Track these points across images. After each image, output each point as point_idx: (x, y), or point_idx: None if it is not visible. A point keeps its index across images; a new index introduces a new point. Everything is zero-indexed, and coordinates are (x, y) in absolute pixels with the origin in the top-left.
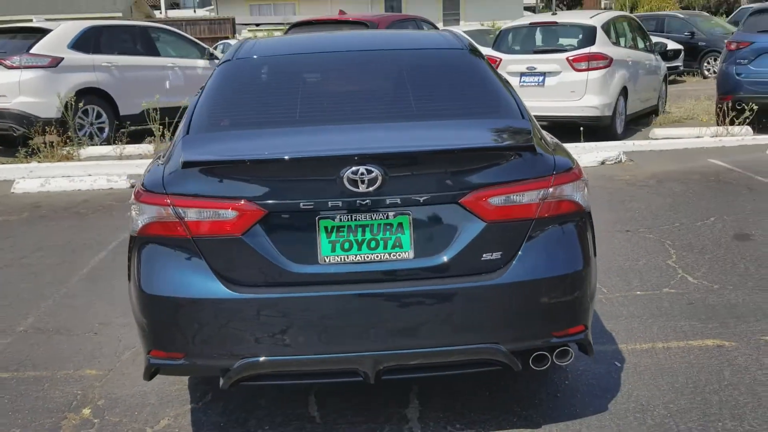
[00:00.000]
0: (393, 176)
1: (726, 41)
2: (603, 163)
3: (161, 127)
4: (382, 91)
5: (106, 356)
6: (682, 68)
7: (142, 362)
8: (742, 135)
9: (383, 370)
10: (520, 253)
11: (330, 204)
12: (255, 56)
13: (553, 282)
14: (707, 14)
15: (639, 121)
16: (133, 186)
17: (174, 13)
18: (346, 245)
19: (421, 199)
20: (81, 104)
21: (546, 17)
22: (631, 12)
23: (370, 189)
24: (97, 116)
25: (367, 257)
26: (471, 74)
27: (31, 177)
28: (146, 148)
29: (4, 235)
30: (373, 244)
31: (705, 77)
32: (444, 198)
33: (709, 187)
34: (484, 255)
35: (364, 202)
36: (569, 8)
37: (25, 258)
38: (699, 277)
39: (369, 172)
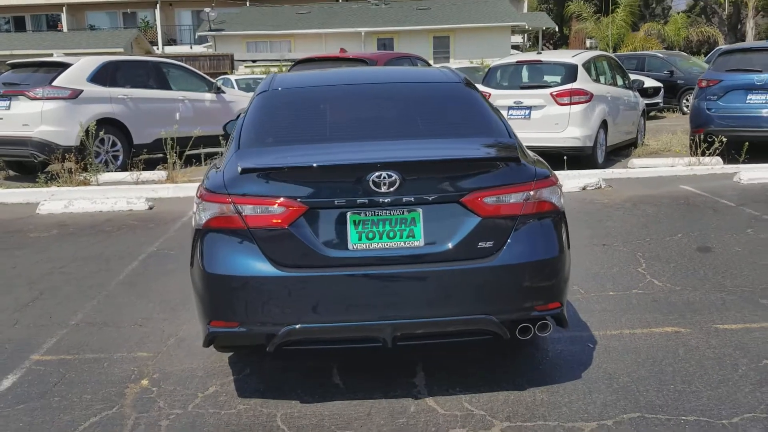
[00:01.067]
0: (408, 180)
1: (698, 79)
2: (584, 188)
3: (174, 155)
4: (393, 116)
5: (153, 342)
6: (662, 104)
7: (186, 346)
8: (712, 164)
9: (399, 336)
10: (508, 242)
11: (358, 202)
12: (286, 87)
13: (534, 265)
14: (685, 54)
15: (619, 152)
16: (151, 208)
17: (171, 50)
18: (371, 235)
19: (430, 199)
20: (102, 133)
21: (531, 56)
22: (614, 51)
23: (390, 190)
24: (112, 144)
25: (387, 245)
26: (467, 102)
27: (53, 199)
28: (160, 174)
29: (39, 249)
30: (391, 234)
31: (684, 113)
32: (448, 198)
33: (678, 208)
34: (479, 243)
35: (385, 201)
36: (555, 48)
37: (65, 267)
38: (664, 281)
39: (389, 176)
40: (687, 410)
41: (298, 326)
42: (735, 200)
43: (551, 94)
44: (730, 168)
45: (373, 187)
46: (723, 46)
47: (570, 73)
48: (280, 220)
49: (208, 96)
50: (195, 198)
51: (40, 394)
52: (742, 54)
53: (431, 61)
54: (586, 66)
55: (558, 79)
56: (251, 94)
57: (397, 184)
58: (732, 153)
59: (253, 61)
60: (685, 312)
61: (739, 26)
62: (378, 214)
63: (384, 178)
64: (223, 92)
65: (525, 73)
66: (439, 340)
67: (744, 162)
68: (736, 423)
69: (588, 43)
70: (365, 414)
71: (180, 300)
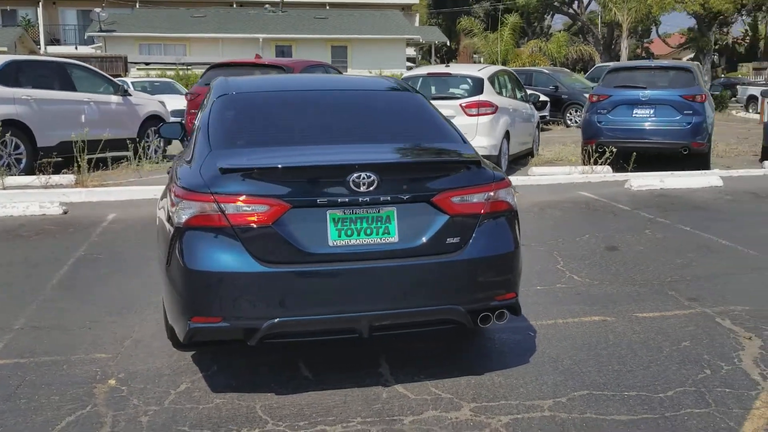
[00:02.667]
0: (385, 180)
1: (589, 94)
2: None
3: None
4: (355, 121)
5: (108, 344)
6: (548, 117)
7: (144, 347)
8: (604, 173)
9: (374, 327)
10: (473, 238)
11: (339, 201)
12: (245, 91)
13: (496, 259)
14: (568, 70)
15: (518, 162)
16: (66, 212)
17: (54, 50)
18: (349, 232)
19: (405, 198)
20: (7, 135)
21: (441, 68)
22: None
23: (370, 189)
24: (15, 147)
25: (364, 242)
26: (419, 109)
27: None
28: (69, 178)
29: None
30: (368, 231)
31: (567, 126)
32: (420, 197)
33: (581, 212)
34: (448, 239)
35: (363, 200)
36: (442, 62)
37: None
38: (583, 276)
39: (368, 177)
40: (627, 386)
41: (280, 320)
42: (629, 205)
43: (460, 105)
44: (621, 176)
45: (353, 187)
46: (609, 63)
47: (477, 85)
48: (264, 218)
49: (114, 98)
50: (168, 197)
51: (3, 397)
52: (628, 72)
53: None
54: (491, 79)
55: (465, 91)
56: (158, 96)
57: (375, 185)
58: (621, 162)
59: (146, 64)
60: (607, 303)
61: (612, 45)
62: (356, 212)
63: (363, 178)
64: (130, 95)
65: (433, 85)
66: (410, 330)
67: (632, 170)
68: (671, 396)
69: (474, 58)
70: (341, 402)
71: (124, 303)
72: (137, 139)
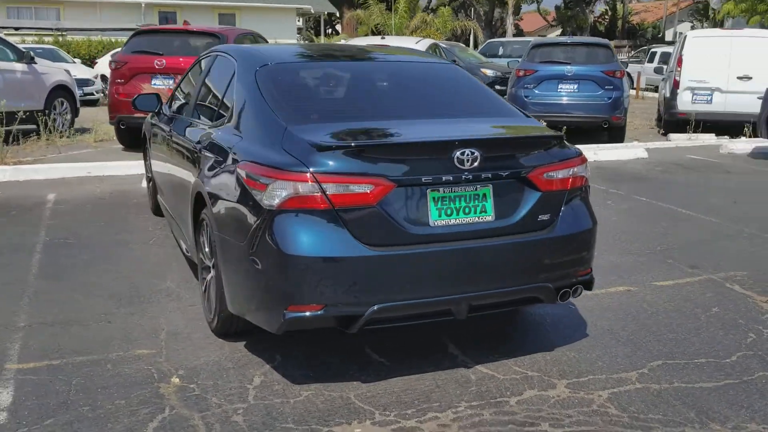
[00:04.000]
0: (485, 157)
1: (515, 69)
2: None
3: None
4: (418, 93)
5: (143, 338)
6: None
7: (184, 339)
8: None
9: (472, 308)
10: (561, 214)
11: (443, 179)
12: (287, 61)
13: (580, 235)
14: (463, 45)
15: None
16: None
17: None
18: (449, 211)
19: (504, 174)
20: None
21: (377, 41)
22: None
23: (473, 166)
24: None
25: (463, 221)
26: (472, 82)
27: None
28: None
29: None
30: (467, 210)
31: None
32: (517, 174)
33: None
34: (540, 216)
35: (466, 177)
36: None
37: None
38: None
39: (472, 153)
40: (693, 354)
41: (384, 305)
42: None
43: None
44: None
45: (457, 164)
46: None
47: None
48: (368, 199)
49: (19, 66)
50: (236, 177)
51: (59, 405)
52: (550, 47)
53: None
54: (429, 52)
55: None
56: (62, 64)
57: (477, 161)
58: None
59: (16, 29)
60: (620, 273)
61: (493, 22)
62: (455, 191)
63: (467, 155)
64: (35, 62)
65: None
66: (500, 309)
67: None
68: (737, 361)
69: (358, 30)
70: (435, 386)
71: (129, 293)
72: (45, 112)
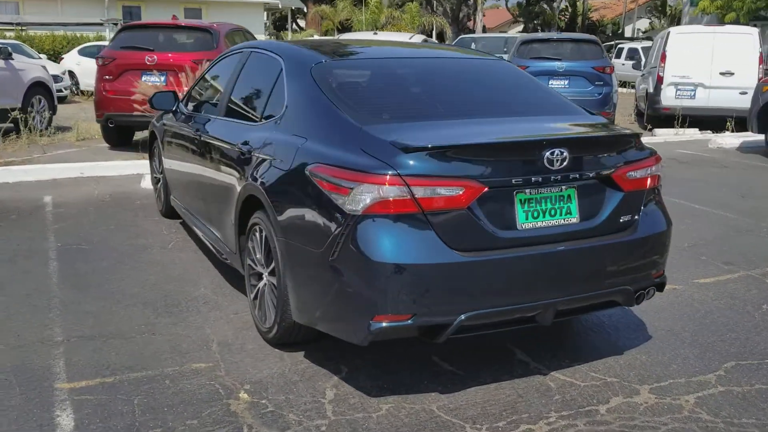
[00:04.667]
0: (572, 157)
1: None
2: None
3: None
4: (482, 91)
5: (195, 351)
6: None
7: (239, 350)
8: None
9: (558, 314)
10: (640, 215)
11: (532, 180)
12: (343, 59)
13: (659, 236)
14: (436, 40)
15: None
16: None
17: None
18: (535, 214)
19: (591, 174)
20: None
21: (370, 35)
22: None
23: (562, 167)
24: None
25: (549, 223)
26: (529, 78)
27: None
28: None
29: None
30: (552, 212)
31: None
32: (601, 173)
33: None
34: (622, 217)
35: (555, 178)
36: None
37: None
38: None
39: (561, 153)
40: (762, 354)
41: (473, 313)
42: None
43: None
44: None
45: (546, 165)
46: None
47: None
48: (459, 202)
49: None
50: (328, 179)
51: (127, 427)
52: (540, 43)
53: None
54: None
55: None
56: (38, 61)
57: (566, 161)
58: None
59: None
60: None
61: (461, 17)
62: (541, 192)
63: (557, 155)
64: (12, 58)
65: None
66: (582, 314)
67: None
68: None
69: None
70: (518, 396)
71: (164, 301)
72: (23, 109)
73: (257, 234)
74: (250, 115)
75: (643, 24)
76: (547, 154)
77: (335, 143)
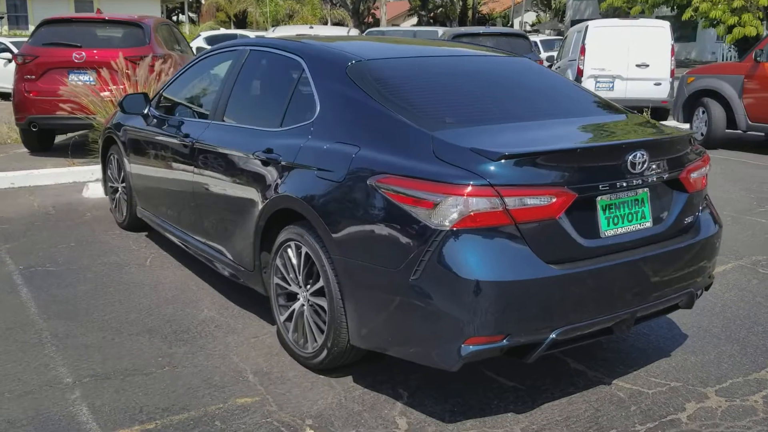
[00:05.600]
0: (650, 160)
1: None
2: None
3: None
4: (527, 91)
5: (232, 384)
6: None
7: (277, 379)
8: None
9: (635, 322)
10: (699, 216)
11: (617, 184)
12: (379, 58)
13: (715, 237)
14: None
15: None
16: None
17: None
18: (615, 220)
19: (665, 177)
20: None
21: (306, 29)
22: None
23: (642, 170)
24: None
25: (627, 229)
26: (558, 77)
27: None
28: None
29: None
30: (630, 217)
31: None
32: (671, 175)
33: None
34: (685, 219)
35: (636, 182)
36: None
37: None
38: None
39: (642, 156)
40: None
41: (563, 329)
42: None
43: None
44: None
45: (629, 169)
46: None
47: None
48: (550, 211)
49: None
50: (405, 192)
51: None
52: (469, 38)
53: None
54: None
55: None
56: None
57: (645, 165)
58: None
59: None
60: None
61: (361, 10)
62: (620, 197)
63: (639, 158)
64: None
65: None
66: (650, 319)
67: None
68: None
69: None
70: (595, 409)
71: (172, 328)
72: None
73: (292, 251)
74: (263, 120)
75: (530, 17)
76: (630, 157)
77: (401, 151)
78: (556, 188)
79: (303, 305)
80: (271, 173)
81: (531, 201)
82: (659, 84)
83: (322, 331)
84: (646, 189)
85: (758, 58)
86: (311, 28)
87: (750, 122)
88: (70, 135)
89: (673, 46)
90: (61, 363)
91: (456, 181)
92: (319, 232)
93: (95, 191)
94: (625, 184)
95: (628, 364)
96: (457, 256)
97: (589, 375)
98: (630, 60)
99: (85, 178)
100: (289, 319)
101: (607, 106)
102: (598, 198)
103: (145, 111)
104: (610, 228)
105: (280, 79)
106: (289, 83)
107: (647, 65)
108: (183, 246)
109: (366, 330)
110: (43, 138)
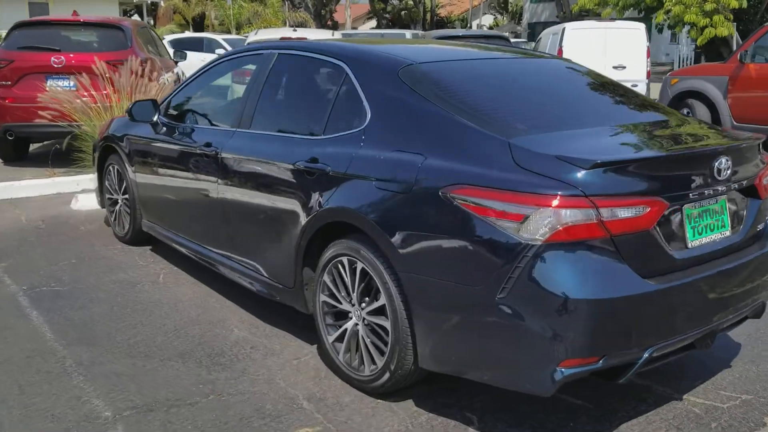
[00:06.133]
0: (733, 166)
1: None
2: None
3: None
4: (583, 93)
5: (287, 412)
6: None
7: (336, 406)
8: None
9: (717, 335)
10: (766, 223)
11: (705, 192)
12: (428, 61)
13: None
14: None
15: None
16: None
17: None
18: (699, 229)
19: (744, 183)
20: None
21: (288, 32)
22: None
23: (726, 177)
24: None
25: (710, 239)
26: (605, 78)
27: None
28: None
29: None
30: (712, 226)
31: None
32: (748, 181)
33: None
34: (758, 227)
35: (719, 189)
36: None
37: None
38: None
39: (727, 162)
40: None
41: (657, 346)
42: None
43: None
44: None
45: (715, 176)
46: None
47: None
48: (645, 222)
49: None
50: (487, 204)
51: None
52: (451, 41)
53: None
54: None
55: None
56: None
57: (729, 171)
58: None
59: None
60: None
61: (323, 13)
62: (702, 205)
63: (724, 164)
64: None
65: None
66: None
67: None
68: None
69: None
70: (677, 429)
71: (205, 351)
72: None
73: (344, 267)
74: (300, 128)
75: (488, 20)
76: (716, 163)
77: (475, 160)
78: (649, 197)
79: (357, 324)
80: (316, 184)
81: (625, 212)
82: (636, 86)
83: (382, 353)
84: (725, 196)
85: (743, 60)
86: (295, 30)
87: (735, 123)
88: (46, 143)
89: (648, 47)
90: (94, 395)
91: (547, 191)
92: (381, 247)
93: (85, 203)
94: (711, 192)
95: (691, 376)
96: (551, 272)
97: (656, 390)
98: (607, 62)
99: (71, 189)
100: (339, 339)
101: (659, 108)
102: (685, 206)
103: (155, 118)
104: (695, 238)
105: (318, 84)
106: (329, 88)
107: (624, 67)
108: (199, 260)
109: (439, 352)
110: (18, 147)
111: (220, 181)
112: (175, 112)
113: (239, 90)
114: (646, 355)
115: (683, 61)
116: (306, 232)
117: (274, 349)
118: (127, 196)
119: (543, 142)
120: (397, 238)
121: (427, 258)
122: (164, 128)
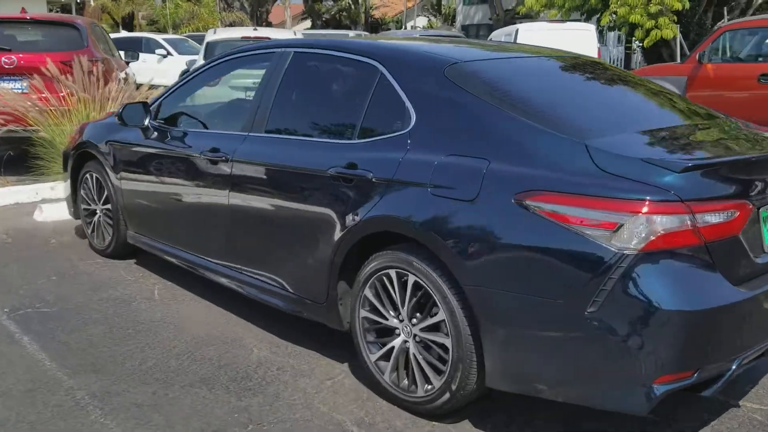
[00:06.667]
0: None
1: None
2: None
3: None
4: (627, 94)
5: None
6: None
7: (394, 429)
8: None
9: None
10: None
11: None
12: (472, 60)
13: None
14: None
15: None
16: None
17: None
18: None
19: None
20: None
21: (249, 31)
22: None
23: None
24: None
25: None
26: (634, 76)
27: None
28: None
29: None
30: None
31: None
32: None
33: None
34: None
35: None
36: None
37: None
38: None
39: None
40: None
41: (744, 356)
42: None
43: None
44: None
45: None
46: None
47: None
48: (734, 227)
49: None
50: (575, 212)
51: None
52: None
53: None
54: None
55: None
56: None
57: None
58: None
59: None
60: None
61: (259, 13)
62: None
63: None
64: None
65: None
66: None
67: None
68: None
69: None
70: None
71: (228, 374)
72: None
73: (392, 280)
74: (329, 132)
75: (422, 21)
76: None
77: (549, 164)
78: (736, 201)
79: (406, 342)
80: (355, 191)
81: (716, 217)
82: None
83: (438, 372)
84: None
85: (701, 60)
86: (255, 30)
87: None
88: None
89: (599, 48)
90: (118, 430)
91: (639, 196)
92: (441, 259)
93: (51, 214)
94: None
95: (741, 381)
96: (648, 284)
97: (714, 398)
98: None
99: (31, 199)
100: (384, 358)
101: (706, 109)
102: (761, 209)
103: (146, 122)
104: None
105: (347, 84)
106: (362, 89)
107: None
108: (199, 274)
109: (513, 370)
110: None
111: (230, 189)
112: (165, 116)
113: (231, 93)
114: (734, 365)
115: (613, 63)
116: (343, 243)
117: (302, 369)
118: (108, 206)
119: (620, 145)
120: (461, 249)
121: (498, 270)
122: (156, 133)
